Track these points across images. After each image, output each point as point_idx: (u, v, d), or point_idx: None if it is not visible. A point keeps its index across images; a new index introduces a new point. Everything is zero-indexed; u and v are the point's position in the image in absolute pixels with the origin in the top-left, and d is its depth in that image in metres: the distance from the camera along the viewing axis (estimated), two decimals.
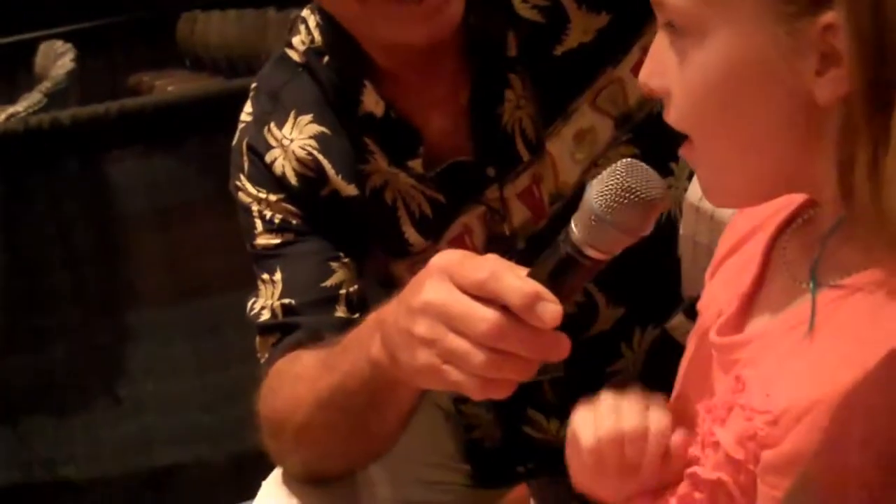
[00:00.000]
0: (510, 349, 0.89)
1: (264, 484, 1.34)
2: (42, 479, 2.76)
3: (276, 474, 1.36)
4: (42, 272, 2.81)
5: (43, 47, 5.56)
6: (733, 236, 0.96)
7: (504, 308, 0.88)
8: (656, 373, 1.08)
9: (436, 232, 1.31)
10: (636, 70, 1.27)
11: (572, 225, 0.87)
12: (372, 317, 1.08)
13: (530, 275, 0.88)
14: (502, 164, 1.29)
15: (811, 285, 0.80)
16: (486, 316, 0.88)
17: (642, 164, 0.87)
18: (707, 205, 0.93)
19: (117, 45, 7.84)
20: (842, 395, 0.73)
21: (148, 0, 7.95)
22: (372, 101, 1.28)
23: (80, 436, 2.78)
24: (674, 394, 0.94)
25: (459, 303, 0.90)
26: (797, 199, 0.89)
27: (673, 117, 0.84)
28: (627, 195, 0.85)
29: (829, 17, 0.73)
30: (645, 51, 1.28)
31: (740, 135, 0.80)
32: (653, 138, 1.24)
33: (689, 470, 0.83)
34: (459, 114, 1.28)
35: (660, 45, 0.84)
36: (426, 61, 1.26)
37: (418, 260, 1.31)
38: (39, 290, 2.82)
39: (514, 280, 0.88)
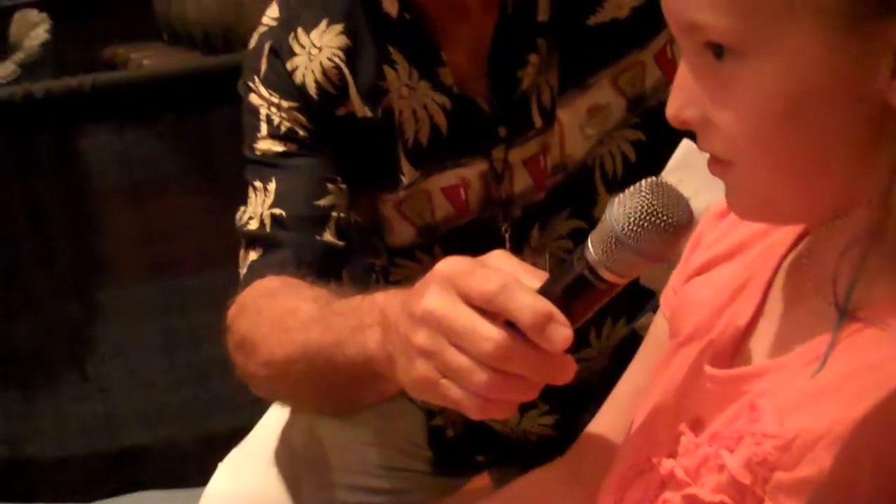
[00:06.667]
0: (514, 370, 0.84)
1: (220, 466, 1.34)
2: (5, 457, 2.73)
3: (232, 457, 1.35)
4: (11, 246, 2.78)
5: (17, 17, 5.50)
6: (707, 251, 0.91)
7: (509, 324, 0.83)
8: (622, 371, 1.06)
9: (427, 165, 1.29)
10: (658, 57, 1.27)
11: (589, 244, 0.81)
12: (377, 301, 1.04)
13: (541, 292, 0.83)
14: (514, 127, 1.27)
15: (839, 317, 0.75)
16: (490, 335, 0.83)
17: (668, 183, 0.81)
18: None
19: (93, 16, 7.78)
20: (852, 428, 0.69)
21: None
22: (389, 2, 1.25)
23: (45, 413, 2.76)
24: (647, 404, 0.90)
25: (463, 317, 0.84)
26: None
27: (719, 148, 0.77)
28: (652, 219, 0.78)
29: None
30: (671, 39, 1.27)
31: (797, 154, 0.74)
32: (660, 127, 1.22)
33: (686, 491, 0.79)
34: (480, 66, 1.26)
35: (688, 73, 0.77)
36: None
37: (408, 196, 1.30)
38: (8, 264, 2.79)
39: (526, 297, 0.82)
